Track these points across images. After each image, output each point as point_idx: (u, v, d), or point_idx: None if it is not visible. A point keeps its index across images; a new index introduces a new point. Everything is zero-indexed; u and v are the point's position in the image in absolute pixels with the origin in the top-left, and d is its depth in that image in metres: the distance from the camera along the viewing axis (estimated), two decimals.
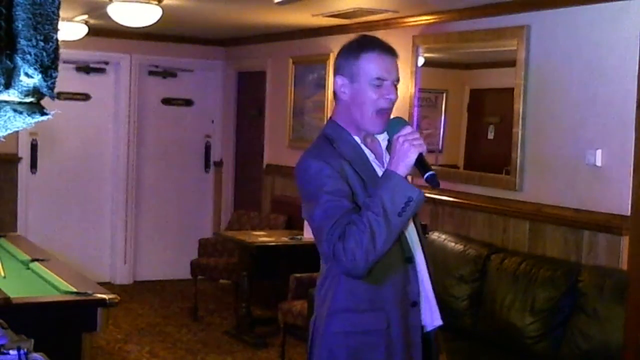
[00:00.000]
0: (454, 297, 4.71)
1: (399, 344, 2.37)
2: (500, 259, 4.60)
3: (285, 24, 6.63)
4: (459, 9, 5.28)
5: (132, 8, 5.36)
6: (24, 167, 7.61)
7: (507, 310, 4.36)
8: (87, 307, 3.67)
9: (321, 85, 6.77)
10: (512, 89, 4.91)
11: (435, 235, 5.15)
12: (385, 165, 2.36)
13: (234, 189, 8.37)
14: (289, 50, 7.28)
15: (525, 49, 4.82)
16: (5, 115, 1.06)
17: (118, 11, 5.40)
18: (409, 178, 2.35)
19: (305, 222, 5.77)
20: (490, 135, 5.56)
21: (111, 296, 3.74)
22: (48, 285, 4.04)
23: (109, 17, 5.58)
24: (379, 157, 2.45)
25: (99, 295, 3.73)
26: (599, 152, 4.35)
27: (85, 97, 7.88)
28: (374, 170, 2.39)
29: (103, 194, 8.02)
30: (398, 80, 2.41)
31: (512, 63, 4.91)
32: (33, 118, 1.08)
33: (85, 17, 6.42)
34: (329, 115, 6.62)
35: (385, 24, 5.93)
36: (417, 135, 2.27)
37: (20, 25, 1.03)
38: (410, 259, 2.41)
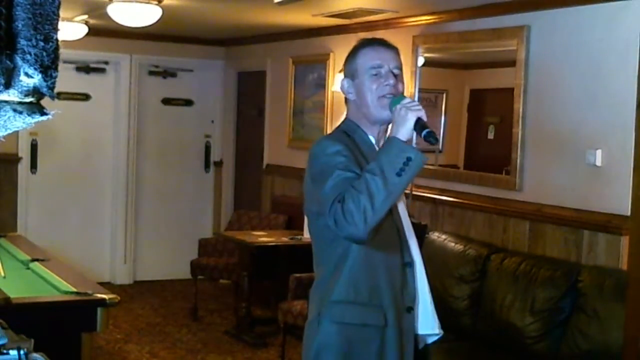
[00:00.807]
0: (454, 297, 4.71)
1: (392, 345, 2.38)
2: (500, 259, 4.60)
3: (285, 24, 6.63)
4: (459, 9, 5.27)
5: (132, 8, 5.36)
6: (24, 167, 7.61)
7: (507, 310, 4.36)
8: (87, 307, 3.67)
9: (321, 85, 6.77)
10: (512, 89, 4.91)
11: (435, 235, 5.15)
12: None
13: (234, 189, 8.37)
14: (289, 50, 7.27)
15: (525, 49, 4.82)
16: (5, 115, 1.06)
17: (118, 11, 5.40)
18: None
19: (305, 222, 5.78)
20: (490, 135, 5.56)
21: (111, 296, 3.74)
22: (48, 285, 4.04)
23: (109, 17, 5.58)
24: None
25: (99, 295, 3.73)
26: (599, 152, 4.35)
27: (85, 97, 7.88)
28: None
29: (103, 194, 8.02)
30: (398, 68, 2.45)
31: (512, 63, 4.91)
32: (33, 118, 1.08)
33: (85, 17, 6.42)
34: (329, 115, 6.65)
35: (385, 24, 5.93)
36: (415, 103, 2.32)
37: (20, 25, 1.03)
38: (409, 264, 2.43)
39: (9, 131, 1.11)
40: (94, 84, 7.90)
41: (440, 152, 5.47)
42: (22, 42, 1.04)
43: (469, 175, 5.37)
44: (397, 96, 2.41)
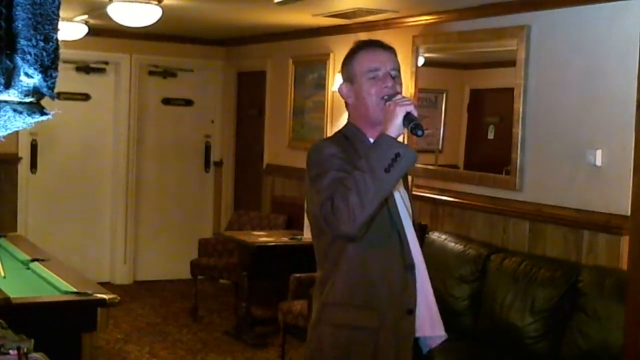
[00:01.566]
0: (454, 297, 4.71)
1: (388, 347, 2.38)
2: (500, 259, 4.60)
3: (285, 24, 6.63)
4: (459, 9, 5.27)
5: (132, 8, 5.36)
6: (24, 167, 7.61)
7: (507, 310, 4.36)
8: (87, 307, 3.67)
9: (321, 85, 6.77)
10: (512, 89, 4.91)
11: (435, 235, 5.15)
12: None
13: (234, 189, 8.37)
14: (289, 50, 7.27)
15: (525, 49, 4.82)
16: (5, 115, 1.06)
17: (118, 11, 5.40)
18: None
19: (305, 222, 5.78)
20: (490, 135, 5.56)
21: (111, 296, 3.74)
22: (48, 285, 4.04)
23: (109, 17, 5.58)
24: None
25: (99, 295, 3.73)
26: (599, 152, 4.35)
27: (85, 97, 7.88)
28: None
29: (103, 194, 8.02)
30: (395, 70, 2.45)
31: (512, 63, 4.91)
32: (33, 118, 1.08)
33: (85, 17, 6.42)
34: (329, 115, 6.65)
35: (385, 24, 5.93)
36: (405, 98, 2.33)
37: (20, 25, 1.03)
38: (410, 267, 2.42)
39: (9, 131, 1.11)
40: (93, 84, 7.90)
41: (440, 151, 5.47)
42: (22, 42, 1.03)
43: (469, 175, 5.37)
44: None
